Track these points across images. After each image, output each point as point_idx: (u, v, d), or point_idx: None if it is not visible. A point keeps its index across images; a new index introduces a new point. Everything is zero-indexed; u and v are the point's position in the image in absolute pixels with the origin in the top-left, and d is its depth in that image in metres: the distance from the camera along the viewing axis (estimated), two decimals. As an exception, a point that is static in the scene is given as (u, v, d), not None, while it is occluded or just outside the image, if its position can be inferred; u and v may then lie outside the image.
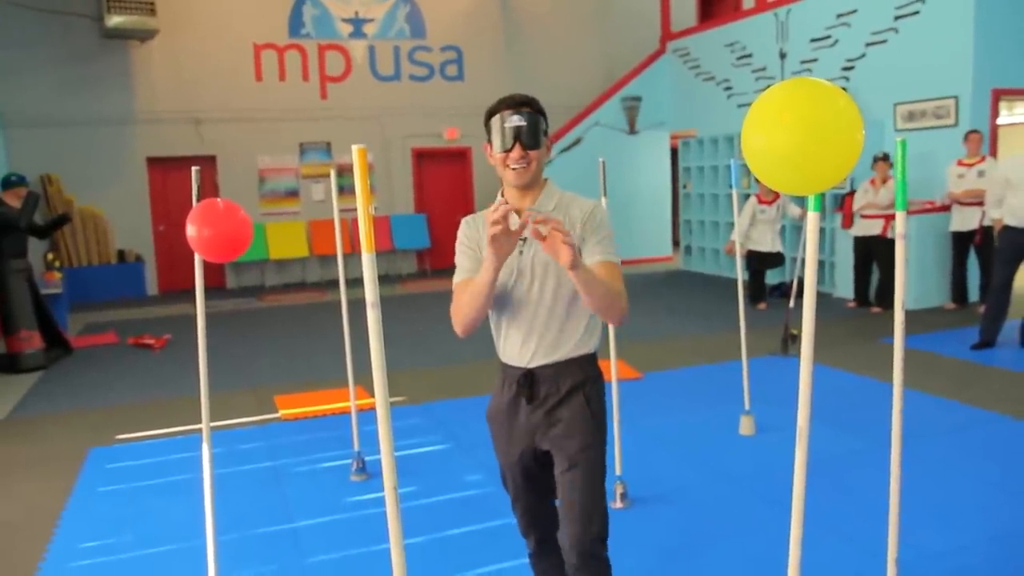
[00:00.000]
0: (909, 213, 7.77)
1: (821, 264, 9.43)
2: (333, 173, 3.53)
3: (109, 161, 10.72)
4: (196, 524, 3.46)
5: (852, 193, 8.27)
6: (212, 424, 4.83)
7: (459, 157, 12.50)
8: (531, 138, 1.97)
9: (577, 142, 12.10)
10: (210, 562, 2.53)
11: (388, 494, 1.50)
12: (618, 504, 3.46)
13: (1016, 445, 4.14)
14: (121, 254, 10.97)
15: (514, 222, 1.77)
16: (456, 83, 12.25)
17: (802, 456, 1.57)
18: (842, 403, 4.84)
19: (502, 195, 2.06)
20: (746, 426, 4.41)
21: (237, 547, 3.25)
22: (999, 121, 8.18)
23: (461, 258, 2.07)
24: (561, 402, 2.07)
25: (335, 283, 11.58)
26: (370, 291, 1.48)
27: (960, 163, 7.50)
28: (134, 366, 6.72)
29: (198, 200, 2.28)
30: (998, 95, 7.98)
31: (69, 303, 9.08)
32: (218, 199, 2.29)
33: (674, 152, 12.72)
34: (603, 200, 3.50)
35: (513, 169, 1.98)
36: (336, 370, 5.89)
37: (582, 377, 2.08)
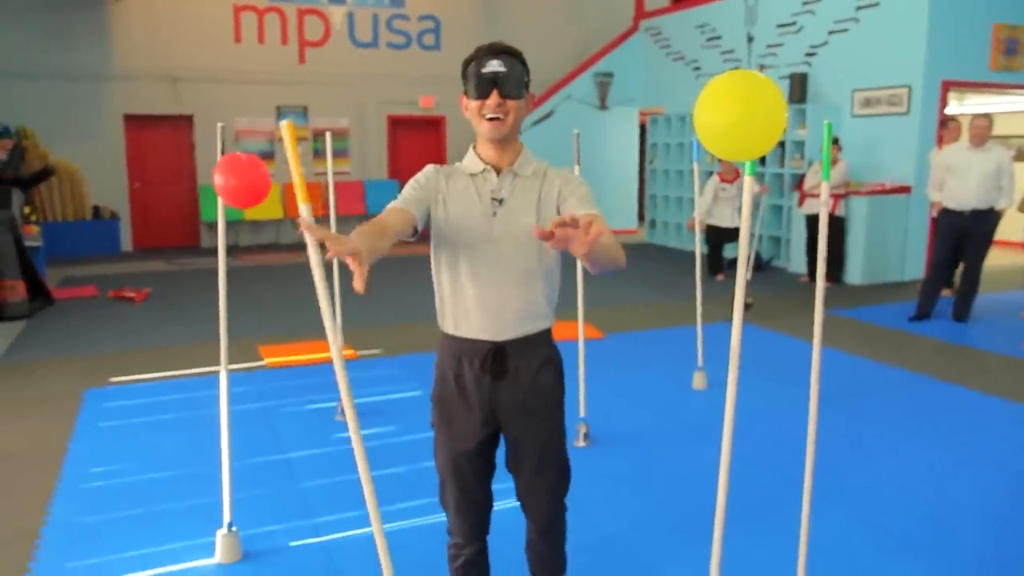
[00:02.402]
0: (860, 194, 8.27)
1: (777, 240, 9.92)
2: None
3: (85, 117, 10.79)
4: (195, 453, 3.81)
5: (804, 174, 8.72)
6: (200, 370, 5.14)
7: (433, 125, 12.73)
8: (510, 86, 1.82)
9: (549, 115, 12.40)
10: (224, 480, 2.86)
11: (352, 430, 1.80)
12: (581, 443, 3.85)
13: (936, 402, 4.63)
14: (96, 210, 11.08)
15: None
16: (433, 52, 12.46)
17: (733, 375, 1.94)
18: (791, 365, 5.28)
19: (474, 150, 1.96)
20: (699, 381, 4.83)
21: (236, 474, 3.56)
22: (947, 111, 8.67)
23: (407, 189, 1.92)
24: (533, 379, 1.97)
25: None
26: (313, 255, 1.67)
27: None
28: (118, 317, 6.96)
29: (222, 153, 2.57)
30: (947, 86, 8.45)
31: (45, 257, 9.22)
32: (240, 153, 2.58)
33: (643, 128, 13.09)
34: (576, 170, 3.83)
35: (489, 119, 1.83)
36: (314, 324, 6.21)
37: (548, 352, 2.02)
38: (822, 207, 2.24)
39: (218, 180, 2.48)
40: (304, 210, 1.60)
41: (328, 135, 4.17)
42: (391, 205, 1.86)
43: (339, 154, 12.02)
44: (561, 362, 2.06)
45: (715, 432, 4.10)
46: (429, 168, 1.97)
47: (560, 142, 12.32)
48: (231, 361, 5.40)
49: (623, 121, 12.97)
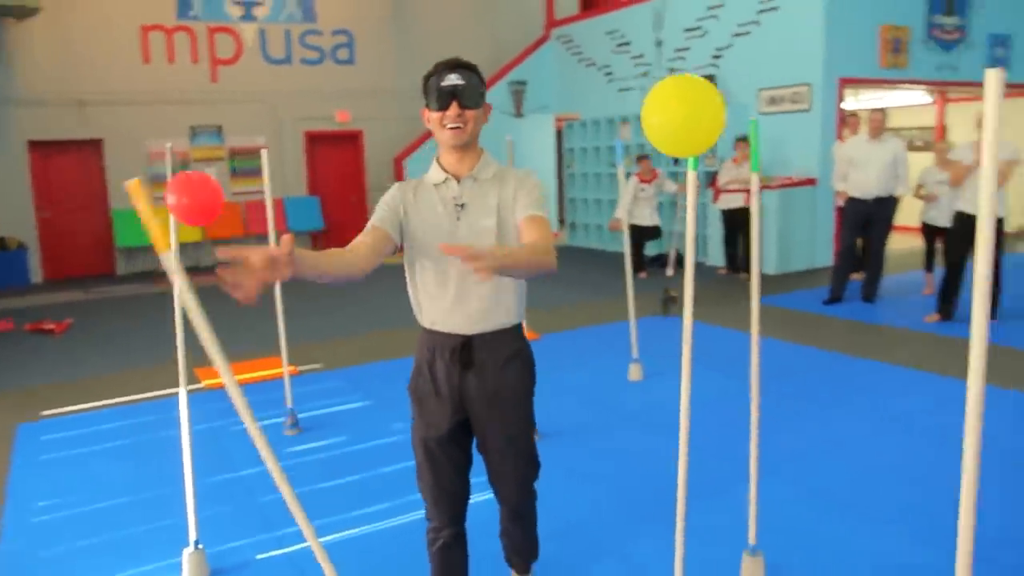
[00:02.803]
0: (771, 188, 8.68)
1: (695, 236, 10.28)
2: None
3: (-15, 145, 10.35)
4: (144, 479, 3.78)
5: (718, 171, 9.11)
6: (134, 397, 5.05)
7: (351, 140, 12.70)
8: (468, 98, 1.95)
9: (467, 125, 12.53)
10: (189, 497, 2.87)
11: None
12: (531, 439, 3.98)
13: (855, 376, 4.95)
14: (2, 241, 10.63)
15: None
16: (347, 67, 12.43)
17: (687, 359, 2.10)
18: (719, 351, 5.54)
19: (437, 162, 2.07)
20: (635, 372, 5.03)
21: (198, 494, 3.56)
22: (844, 106, 9.20)
23: (379, 209, 2.04)
24: (499, 372, 2.08)
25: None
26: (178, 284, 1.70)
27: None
28: (39, 350, 6.73)
29: (172, 173, 2.60)
30: (844, 83, 8.97)
31: (-48, 292, 8.82)
32: (191, 172, 2.62)
33: (559, 134, 13.36)
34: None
35: (450, 129, 1.95)
36: (246, 343, 6.18)
37: (517, 346, 2.13)
38: (753, 197, 2.43)
39: (171, 199, 2.52)
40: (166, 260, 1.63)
41: (264, 153, 4.19)
42: (368, 226, 1.99)
43: (256, 173, 11.85)
44: (530, 357, 2.18)
45: (655, 419, 4.31)
46: (395, 187, 2.09)
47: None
48: (167, 386, 5.35)
49: (539, 128, 13.19)
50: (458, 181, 2.04)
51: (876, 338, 5.94)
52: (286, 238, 1.51)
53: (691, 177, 1.99)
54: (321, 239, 12.42)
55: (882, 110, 6.86)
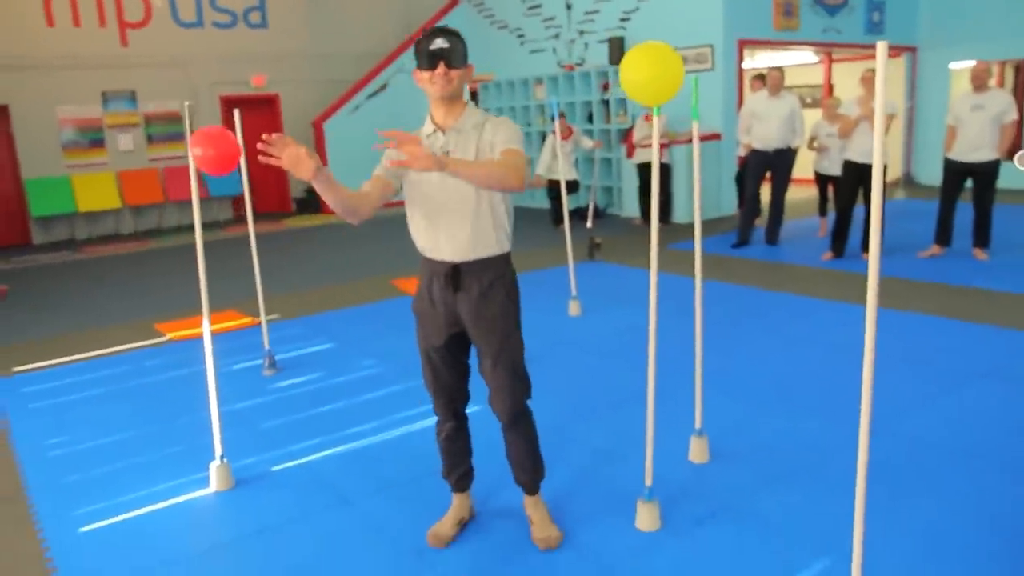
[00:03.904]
0: (680, 142, 9.35)
1: (610, 189, 10.93)
2: None
3: None
4: (143, 417, 4.10)
5: (632, 128, 9.72)
6: (105, 351, 5.28)
7: (268, 104, 12.72)
8: (452, 58, 2.26)
9: (383, 88, 12.77)
10: (213, 414, 3.24)
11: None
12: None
13: (765, 305, 5.66)
14: (-93, 214, 10.28)
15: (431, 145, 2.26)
16: (261, 30, 12.40)
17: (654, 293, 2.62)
18: (642, 290, 6.15)
19: (429, 116, 2.38)
20: (574, 308, 5.59)
21: (191, 427, 3.91)
22: (744, 65, 9.93)
23: (384, 159, 2.39)
24: (484, 295, 2.41)
25: (154, 232, 11.57)
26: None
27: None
28: (-19, 316, 6.76)
29: (191, 131, 2.93)
30: (743, 44, 9.70)
31: None
32: (207, 127, 2.95)
33: (474, 95, 13.72)
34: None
35: (435, 84, 2.26)
36: (193, 302, 6.42)
37: (501, 272, 2.45)
38: (695, 147, 2.96)
39: (196, 152, 2.84)
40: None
41: (186, 106, 4.46)
42: (373, 174, 2.39)
43: (173, 138, 11.79)
44: (513, 282, 2.53)
45: (597, 346, 4.88)
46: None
47: (397, 112, 12.79)
48: (129, 341, 5.57)
49: (454, 90, 13.51)
50: (443, 133, 2.36)
51: (781, 274, 6.69)
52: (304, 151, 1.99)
53: (656, 122, 2.50)
54: (242, 203, 12.46)
55: (780, 69, 7.58)
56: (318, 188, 2.12)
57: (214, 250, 9.63)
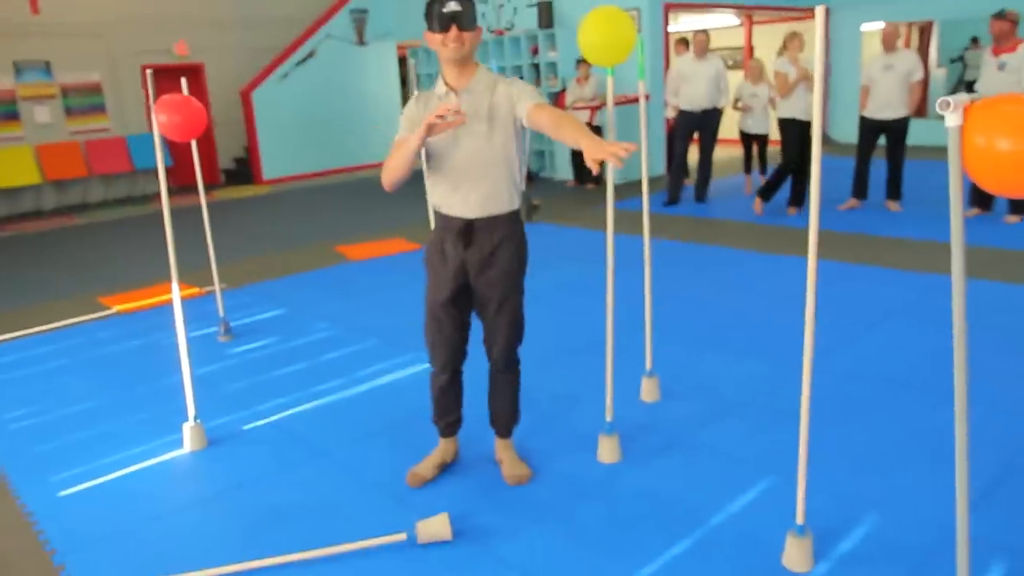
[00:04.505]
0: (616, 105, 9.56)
1: (542, 153, 11.12)
2: None
3: None
4: (103, 387, 4.13)
5: (564, 91, 9.90)
6: (53, 325, 5.24)
7: (192, 73, 12.39)
8: (465, 21, 2.32)
9: (311, 54, 12.60)
10: (186, 376, 3.33)
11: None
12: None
13: (700, 258, 5.98)
14: None
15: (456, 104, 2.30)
16: (181, -5, 12.05)
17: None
18: (582, 247, 6.39)
19: (441, 77, 2.45)
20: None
21: (153, 394, 3.97)
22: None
23: (404, 121, 2.49)
24: (494, 251, 2.51)
25: (78, 207, 11.21)
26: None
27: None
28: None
29: (154, 98, 2.97)
30: (668, 8, 9.94)
31: None
32: (172, 95, 2.99)
33: (402, 61, 13.67)
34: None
35: (449, 47, 2.33)
36: (137, 275, 6.40)
37: (511, 229, 2.53)
38: (641, 106, 3.15)
39: (162, 118, 2.90)
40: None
41: (149, 73, 4.45)
42: (397, 138, 2.47)
43: (94, 110, 11.42)
44: (522, 238, 2.61)
45: (544, 302, 5.09)
46: (412, 99, 2.54)
47: (325, 78, 12.66)
48: (76, 314, 5.53)
49: (382, 56, 13.46)
50: (456, 94, 2.43)
51: (712, 228, 7.02)
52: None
53: (610, 81, 2.68)
54: (169, 176, 12.16)
55: (705, 31, 7.85)
56: (413, 153, 2.28)
57: (149, 224, 9.48)
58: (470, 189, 2.47)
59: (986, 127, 1.29)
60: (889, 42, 6.91)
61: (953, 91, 11.20)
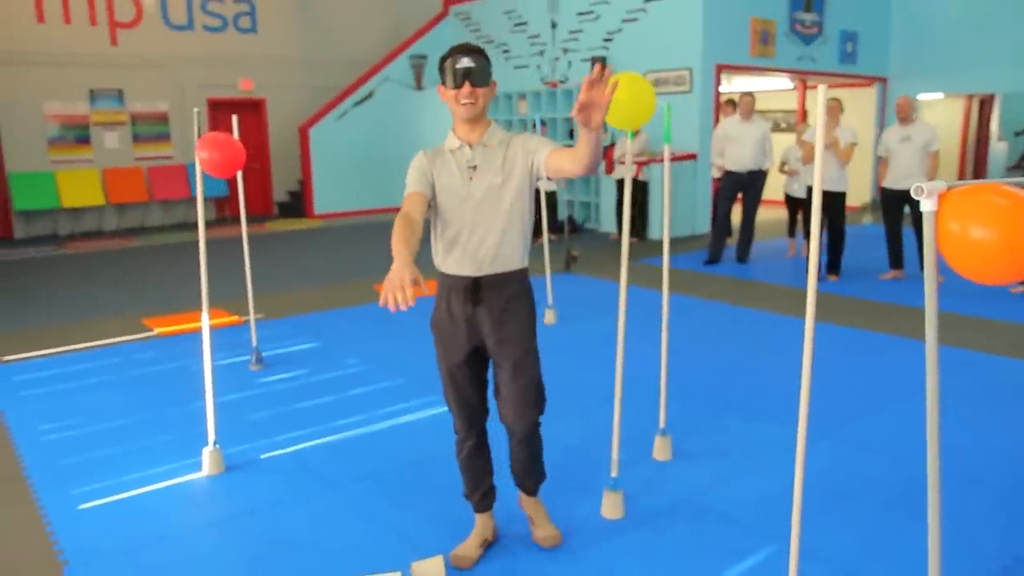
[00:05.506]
0: (658, 161, 9.65)
1: (588, 205, 11.22)
2: None
3: None
4: (134, 406, 4.28)
5: (612, 145, 10.02)
6: (92, 344, 5.43)
7: (254, 108, 12.88)
8: (479, 78, 2.30)
9: (370, 95, 12.98)
10: (208, 402, 3.44)
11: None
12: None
13: (733, 320, 5.94)
14: None
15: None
16: (250, 35, 12.58)
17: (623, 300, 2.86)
18: (611, 302, 6.40)
19: (453, 131, 2.42)
20: (550, 317, 5.83)
21: (181, 417, 4.09)
22: (722, 88, 10.28)
23: (412, 173, 2.40)
24: (505, 309, 2.42)
25: (137, 230, 11.64)
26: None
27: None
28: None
29: (199, 135, 3.13)
30: (720, 69, 10.05)
31: None
32: (215, 133, 3.15)
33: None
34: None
35: (463, 104, 2.30)
36: (183, 298, 6.59)
37: (519, 287, 2.46)
38: (665, 167, 3.22)
39: (203, 155, 3.05)
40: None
41: (196, 113, 4.66)
42: (407, 192, 2.37)
43: (160, 138, 11.92)
44: (530, 295, 2.52)
45: (570, 353, 5.12)
46: (419, 155, 2.46)
47: (381, 118, 13.02)
48: (119, 334, 5.73)
49: (437, 101, 13.73)
50: (470, 147, 2.41)
51: (750, 291, 6.99)
52: (408, 274, 1.96)
53: (629, 145, 2.75)
54: (226, 205, 12.59)
55: (751, 94, 7.91)
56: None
57: (190, 251, 9.77)
58: (481, 246, 2.40)
59: (959, 214, 1.31)
60: (903, 114, 6.92)
61: (1017, 166, 11.08)
